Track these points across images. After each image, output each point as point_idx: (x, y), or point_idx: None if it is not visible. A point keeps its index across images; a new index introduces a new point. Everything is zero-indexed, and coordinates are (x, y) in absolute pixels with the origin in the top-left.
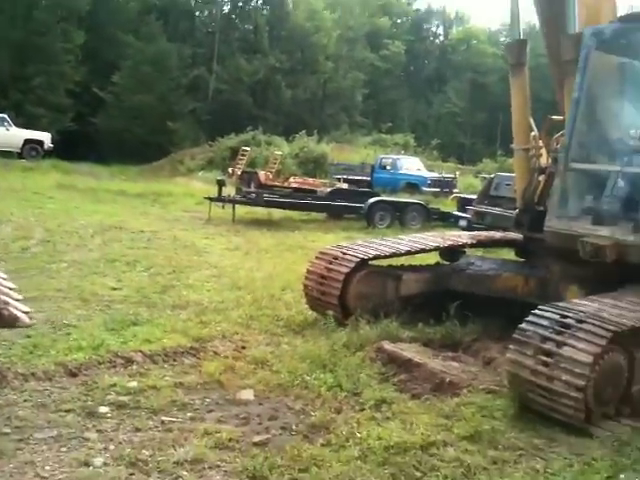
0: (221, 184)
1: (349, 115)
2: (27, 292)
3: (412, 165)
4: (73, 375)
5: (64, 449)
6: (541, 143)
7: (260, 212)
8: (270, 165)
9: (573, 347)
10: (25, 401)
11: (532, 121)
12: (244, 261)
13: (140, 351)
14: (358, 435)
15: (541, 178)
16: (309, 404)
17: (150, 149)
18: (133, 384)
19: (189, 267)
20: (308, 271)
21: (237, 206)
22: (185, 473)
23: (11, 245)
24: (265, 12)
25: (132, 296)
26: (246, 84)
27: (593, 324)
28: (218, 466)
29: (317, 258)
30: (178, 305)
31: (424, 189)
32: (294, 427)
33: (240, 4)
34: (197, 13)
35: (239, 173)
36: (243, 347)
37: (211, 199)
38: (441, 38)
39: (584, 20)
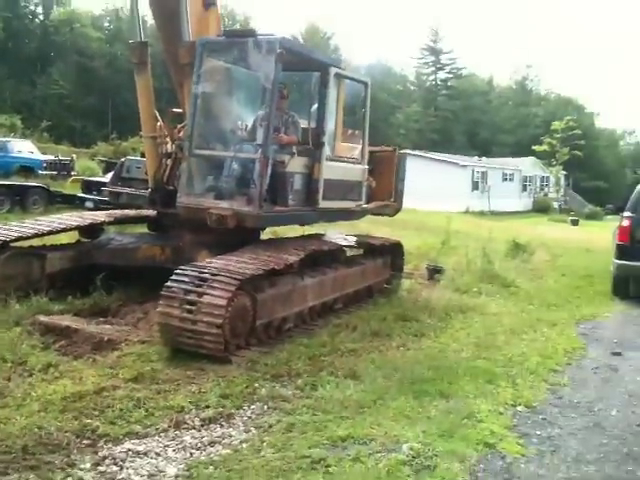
0: None
1: None
2: None
3: (24, 147)
4: None
5: None
6: (166, 132)
7: None
8: None
9: (211, 295)
10: None
11: (157, 113)
12: None
13: None
14: (34, 394)
15: (168, 162)
16: None
17: None
18: None
19: None
20: None
21: None
22: None
23: None
24: None
25: None
26: None
27: (224, 276)
28: None
29: None
30: None
31: (40, 172)
32: None
33: None
34: None
35: None
36: None
37: None
38: (41, 17)
39: (195, 30)
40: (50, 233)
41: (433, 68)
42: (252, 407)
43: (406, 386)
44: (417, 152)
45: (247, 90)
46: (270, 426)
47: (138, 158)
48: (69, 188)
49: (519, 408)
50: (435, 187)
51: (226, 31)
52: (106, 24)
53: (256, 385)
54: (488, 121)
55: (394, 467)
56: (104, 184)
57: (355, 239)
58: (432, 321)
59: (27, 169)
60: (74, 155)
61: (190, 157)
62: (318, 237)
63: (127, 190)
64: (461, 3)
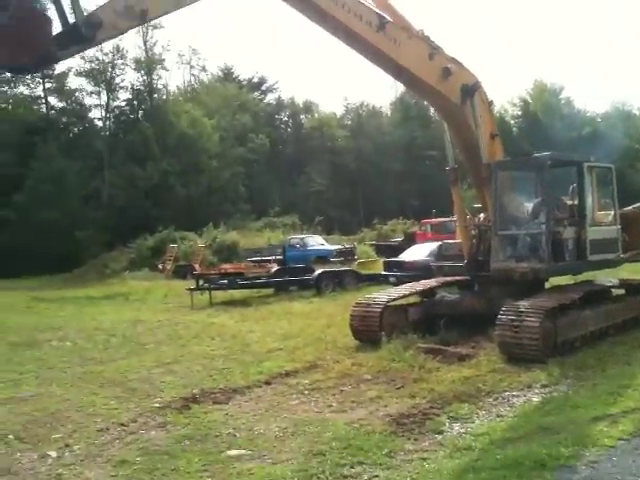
0: (198, 277)
1: (234, 205)
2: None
3: (317, 241)
4: (268, 383)
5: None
6: (471, 222)
7: (221, 296)
8: (195, 257)
9: (528, 320)
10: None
11: (466, 210)
12: (264, 326)
13: (285, 370)
14: (442, 377)
15: (474, 241)
16: (405, 372)
17: (59, 259)
18: (306, 381)
19: (236, 334)
20: (351, 315)
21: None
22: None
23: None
24: (149, 125)
25: (233, 352)
26: (142, 189)
27: (534, 309)
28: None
29: (355, 306)
30: (269, 350)
31: (331, 259)
32: (409, 378)
33: (123, 118)
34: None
35: (168, 268)
36: (337, 361)
37: (192, 289)
38: (292, 126)
39: (488, 153)
40: (408, 295)
41: None
42: (567, 381)
43: None
44: None
45: (528, 187)
46: (581, 386)
47: (452, 241)
48: (357, 269)
49: None
50: None
51: (511, 154)
52: (348, 122)
53: (564, 371)
54: None
55: None
56: (401, 262)
57: (617, 281)
58: None
59: (321, 258)
60: (355, 243)
61: (496, 236)
62: (590, 282)
63: (448, 263)
64: None
